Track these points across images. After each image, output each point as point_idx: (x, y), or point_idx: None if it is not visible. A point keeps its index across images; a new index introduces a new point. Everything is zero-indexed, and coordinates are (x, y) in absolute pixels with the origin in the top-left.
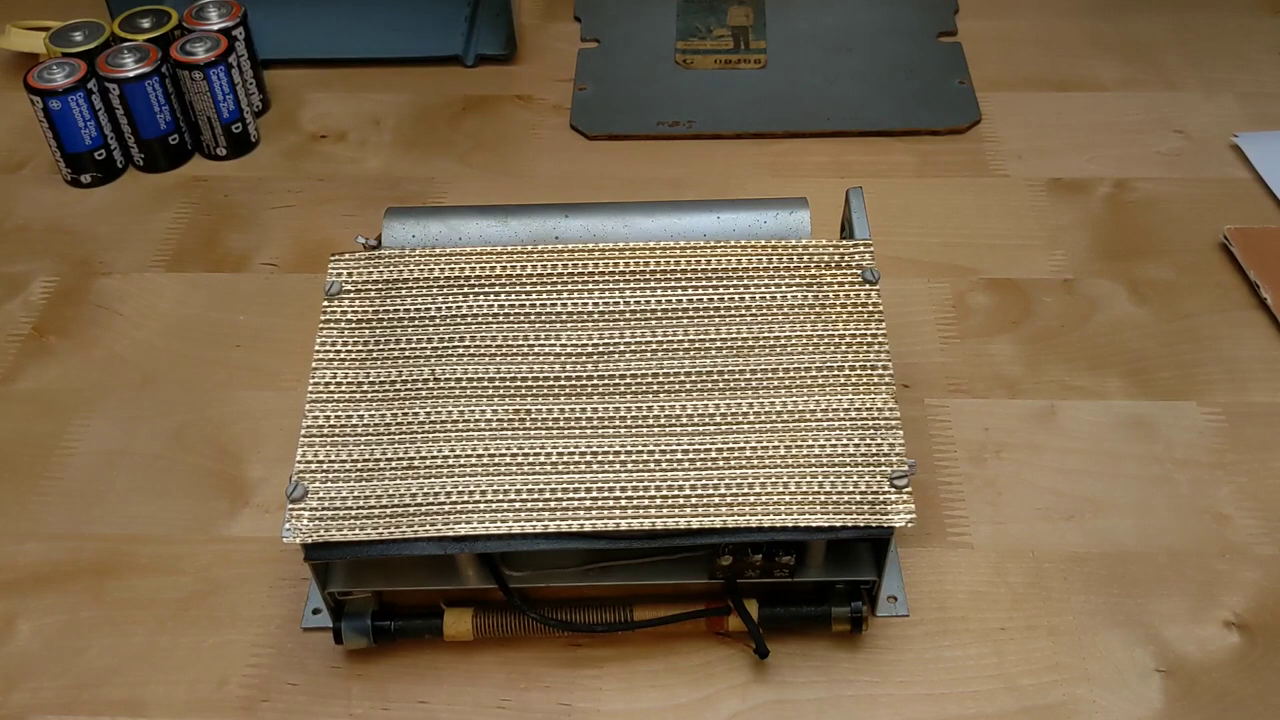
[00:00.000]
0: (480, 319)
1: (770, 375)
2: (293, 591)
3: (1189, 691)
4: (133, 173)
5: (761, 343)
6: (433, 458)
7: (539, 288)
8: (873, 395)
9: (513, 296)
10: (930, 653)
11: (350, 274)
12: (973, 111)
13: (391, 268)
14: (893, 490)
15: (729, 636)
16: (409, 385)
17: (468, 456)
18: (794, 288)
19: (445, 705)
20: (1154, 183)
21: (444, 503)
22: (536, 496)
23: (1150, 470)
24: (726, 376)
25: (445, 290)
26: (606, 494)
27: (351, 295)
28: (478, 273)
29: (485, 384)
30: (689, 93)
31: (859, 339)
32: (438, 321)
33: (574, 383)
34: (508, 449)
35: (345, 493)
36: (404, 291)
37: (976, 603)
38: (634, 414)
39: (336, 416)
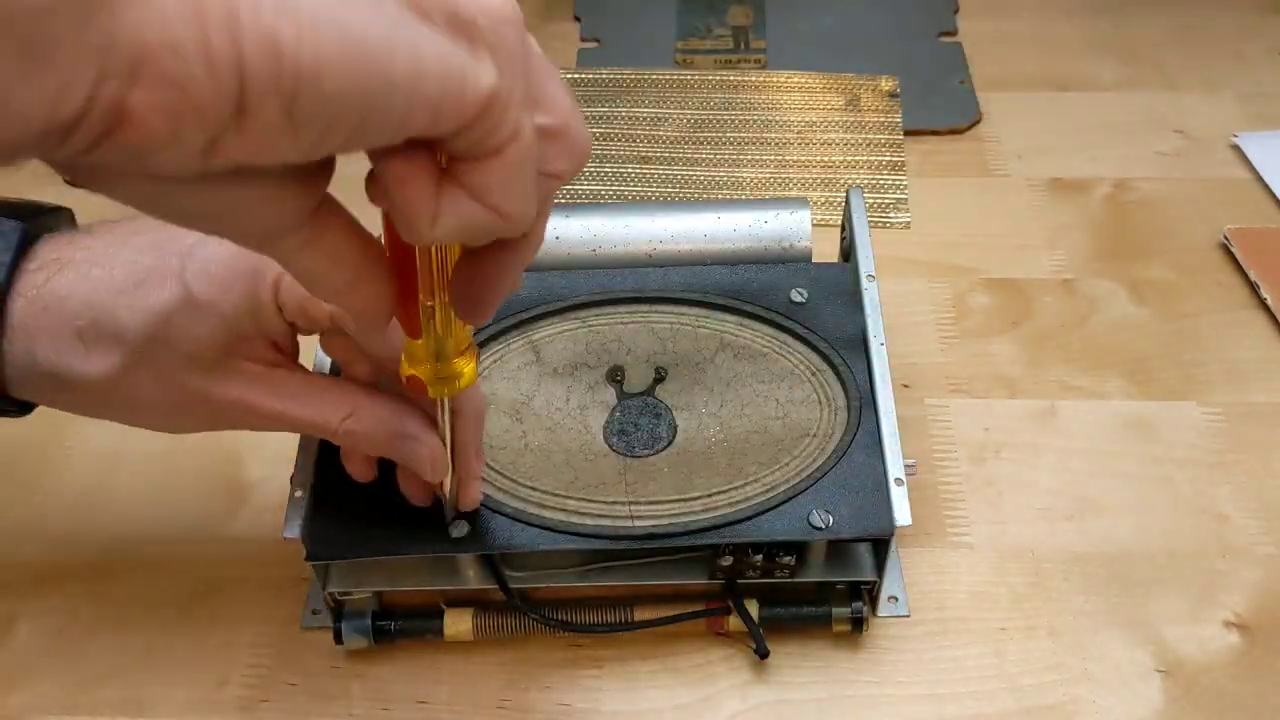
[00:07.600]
0: None
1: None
2: (293, 591)
3: (1189, 691)
4: None
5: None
6: None
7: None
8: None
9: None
10: (930, 653)
11: None
12: (973, 111)
13: None
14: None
15: (729, 636)
16: None
17: None
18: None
19: (445, 705)
20: (1154, 183)
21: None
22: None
23: (1150, 470)
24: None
25: None
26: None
27: None
28: None
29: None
30: None
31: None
32: None
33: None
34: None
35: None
36: None
37: (976, 603)
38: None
39: None
